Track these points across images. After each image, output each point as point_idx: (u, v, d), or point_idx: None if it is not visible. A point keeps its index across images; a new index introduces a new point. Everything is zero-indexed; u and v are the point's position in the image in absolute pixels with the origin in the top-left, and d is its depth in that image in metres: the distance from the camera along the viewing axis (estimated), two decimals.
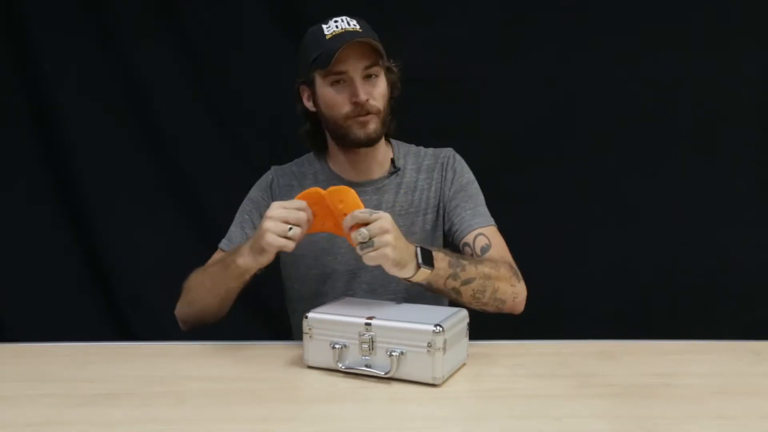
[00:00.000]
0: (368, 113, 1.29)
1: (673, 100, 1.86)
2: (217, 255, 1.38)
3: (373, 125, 1.30)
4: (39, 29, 1.83)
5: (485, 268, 1.19)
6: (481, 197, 1.40)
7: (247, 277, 1.21)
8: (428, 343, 0.98)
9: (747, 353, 1.16)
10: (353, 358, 1.02)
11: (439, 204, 1.40)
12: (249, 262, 1.17)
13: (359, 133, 1.30)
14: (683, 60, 1.84)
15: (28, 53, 1.84)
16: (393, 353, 0.98)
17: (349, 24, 1.28)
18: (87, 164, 1.88)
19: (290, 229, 1.10)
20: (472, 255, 1.29)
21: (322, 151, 1.42)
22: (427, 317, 1.02)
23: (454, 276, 1.15)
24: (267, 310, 1.83)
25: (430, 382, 0.98)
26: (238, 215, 1.42)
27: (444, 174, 1.41)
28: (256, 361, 1.11)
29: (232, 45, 1.86)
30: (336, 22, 1.29)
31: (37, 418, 0.88)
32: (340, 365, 1.02)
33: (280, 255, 1.38)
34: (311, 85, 1.33)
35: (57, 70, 1.84)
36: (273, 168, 1.45)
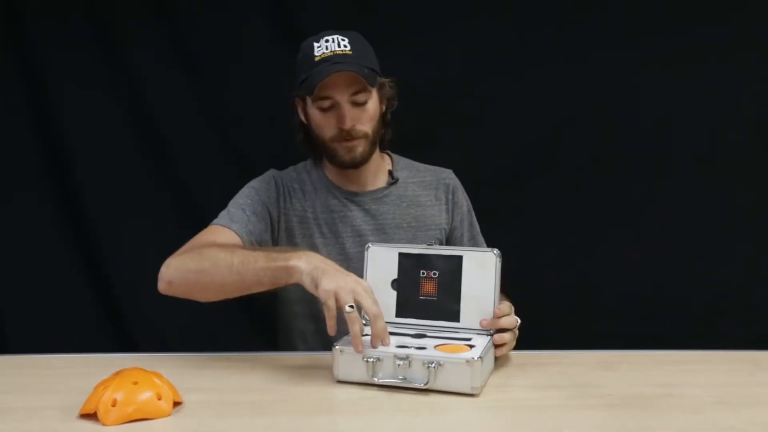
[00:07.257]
0: (354, 138, 1.29)
1: (675, 114, 1.87)
2: (211, 231, 1.29)
3: (360, 149, 1.30)
4: (39, 38, 1.84)
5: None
6: (476, 222, 1.48)
7: (282, 283, 1.10)
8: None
9: (747, 363, 1.16)
10: (387, 371, 1.00)
11: (444, 228, 1.42)
12: (301, 266, 1.06)
13: (345, 156, 1.31)
14: (684, 75, 1.84)
15: (27, 61, 1.84)
16: (431, 365, 0.97)
17: (339, 45, 1.25)
18: (88, 177, 1.88)
19: (351, 306, 1.00)
20: None
21: (319, 159, 1.42)
22: None
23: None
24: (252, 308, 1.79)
25: (469, 392, 0.97)
26: (237, 198, 1.36)
27: (449, 197, 1.43)
28: (257, 373, 1.10)
29: (232, 56, 1.87)
30: (327, 41, 1.26)
31: (37, 430, 0.88)
32: (375, 379, 0.99)
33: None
34: (304, 100, 1.34)
35: (57, 80, 1.84)
36: (272, 170, 1.43)
